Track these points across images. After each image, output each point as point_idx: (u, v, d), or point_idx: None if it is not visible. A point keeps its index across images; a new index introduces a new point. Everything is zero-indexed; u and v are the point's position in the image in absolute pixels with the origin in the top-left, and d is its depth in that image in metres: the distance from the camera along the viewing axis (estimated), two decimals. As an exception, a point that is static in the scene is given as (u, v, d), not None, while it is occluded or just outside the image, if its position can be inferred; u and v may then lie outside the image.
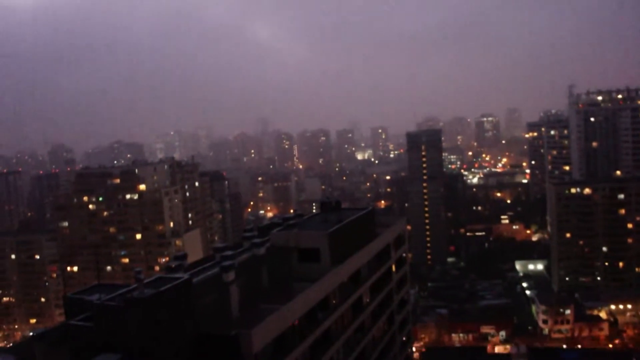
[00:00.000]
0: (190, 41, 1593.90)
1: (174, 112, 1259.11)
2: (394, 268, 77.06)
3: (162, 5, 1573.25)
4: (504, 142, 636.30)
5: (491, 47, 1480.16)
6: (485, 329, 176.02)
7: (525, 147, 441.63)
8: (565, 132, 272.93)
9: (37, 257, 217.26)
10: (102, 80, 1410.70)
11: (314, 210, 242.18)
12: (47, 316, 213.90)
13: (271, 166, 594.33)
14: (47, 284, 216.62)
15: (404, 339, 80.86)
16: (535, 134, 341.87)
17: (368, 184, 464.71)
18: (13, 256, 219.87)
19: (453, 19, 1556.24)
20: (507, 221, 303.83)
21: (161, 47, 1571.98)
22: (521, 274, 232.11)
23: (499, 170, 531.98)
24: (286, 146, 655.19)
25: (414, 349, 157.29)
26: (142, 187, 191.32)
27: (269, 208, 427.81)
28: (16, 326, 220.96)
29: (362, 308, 63.58)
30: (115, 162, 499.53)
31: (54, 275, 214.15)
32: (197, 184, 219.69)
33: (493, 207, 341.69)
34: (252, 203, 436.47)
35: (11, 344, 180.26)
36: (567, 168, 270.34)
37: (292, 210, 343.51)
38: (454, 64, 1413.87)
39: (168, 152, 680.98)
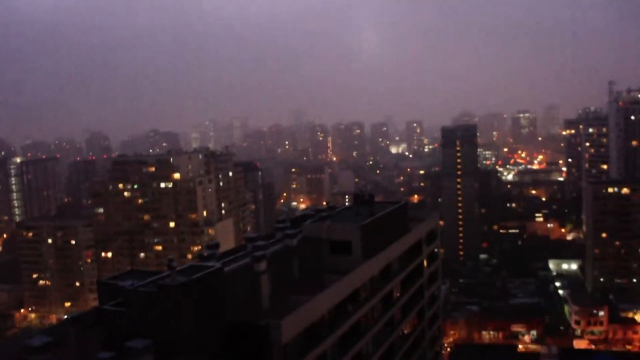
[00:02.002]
0: (228, 32, 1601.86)
1: (209, 102, 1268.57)
2: (425, 263, 76.62)
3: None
4: (540, 139, 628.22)
5: (530, 43, 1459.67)
6: (516, 328, 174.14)
7: (562, 144, 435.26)
8: (604, 130, 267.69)
9: (73, 242, 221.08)
10: (141, 70, 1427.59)
11: (346, 203, 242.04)
12: (82, 300, 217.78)
13: (305, 158, 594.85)
14: (82, 268, 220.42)
15: (433, 334, 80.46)
16: (573, 131, 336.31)
17: (401, 178, 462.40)
18: (50, 241, 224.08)
19: (489, 14, 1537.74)
20: (541, 219, 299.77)
21: (199, 37, 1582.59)
22: (554, 273, 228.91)
23: (534, 167, 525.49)
24: (320, 138, 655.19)
25: (445, 346, 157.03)
26: (177, 175, 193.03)
27: (301, 199, 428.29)
28: (52, 309, 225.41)
29: (392, 302, 63.36)
30: (150, 150, 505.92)
31: (89, 260, 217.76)
32: (230, 174, 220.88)
33: (527, 205, 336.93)
34: (284, 194, 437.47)
35: (47, 326, 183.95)
36: (604, 167, 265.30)
37: (324, 203, 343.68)
38: (491, 59, 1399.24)
39: (203, 142, 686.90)
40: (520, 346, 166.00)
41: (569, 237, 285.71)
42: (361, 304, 54.84)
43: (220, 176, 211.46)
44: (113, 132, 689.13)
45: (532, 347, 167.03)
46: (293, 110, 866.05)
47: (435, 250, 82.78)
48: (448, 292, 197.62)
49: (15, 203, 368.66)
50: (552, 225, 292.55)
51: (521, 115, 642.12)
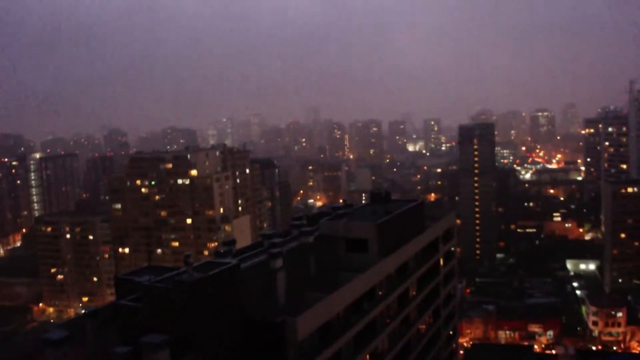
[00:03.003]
0: (245, 29, 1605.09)
1: (227, 99, 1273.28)
2: (441, 262, 76.39)
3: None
4: (559, 137, 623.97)
5: (549, 41, 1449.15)
6: (533, 328, 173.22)
7: (581, 143, 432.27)
8: (624, 129, 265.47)
9: (91, 237, 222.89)
10: (159, 66, 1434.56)
11: (363, 201, 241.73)
12: (99, 295, 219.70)
13: (322, 155, 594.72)
14: (99, 264, 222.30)
15: (449, 333, 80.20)
16: (592, 130, 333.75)
17: (418, 176, 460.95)
18: (68, 236, 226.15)
19: (508, 12, 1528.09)
20: (559, 219, 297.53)
21: (217, 34, 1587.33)
22: (572, 274, 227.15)
23: (552, 166, 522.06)
24: (337, 136, 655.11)
25: (463, 344, 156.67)
26: (194, 172, 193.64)
27: (318, 197, 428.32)
28: (69, 303, 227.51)
29: (408, 300, 63.19)
30: (168, 147, 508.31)
31: (106, 255, 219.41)
32: (247, 171, 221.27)
33: (545, 204, 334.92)
34: (301, 192, 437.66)
35: (65, 320, 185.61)
36: (624, 166, 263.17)
37: (341, 200, 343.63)
38: (510, 57, 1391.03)
39: (220, 139, 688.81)
40: (536, 347, 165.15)
41: (587, 237, 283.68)
42: (377, 301, 54.75)
43: (237, 173, 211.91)
44: (131, 129, 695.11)
45: (548, 351, 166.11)
46: (310, 107, 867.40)
47: (452, 249, 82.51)
48: (464, 291, 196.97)
49: (34, 198, 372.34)
50: (570, 225, 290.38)
51: (540, 113, 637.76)
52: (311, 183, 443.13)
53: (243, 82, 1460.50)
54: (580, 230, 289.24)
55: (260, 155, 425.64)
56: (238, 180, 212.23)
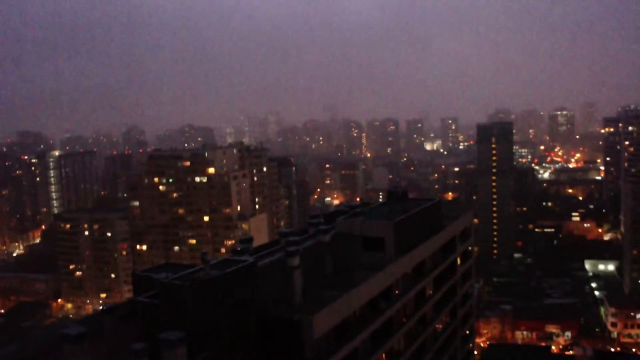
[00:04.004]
0: (264, 28, 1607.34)
1: (244, 97, 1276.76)
2: (458, 261, 76.04)
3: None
4: (578, 137, 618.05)
5: (568, 40, 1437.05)
6: (550, 328, 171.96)
7: (600, 142, 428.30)
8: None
9: (109, 234, 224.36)
10: (176, 64, 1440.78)
11: (380, 200, 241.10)
12: (117, 291, 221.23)
13: (339, 154, 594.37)
14: (117, 260, 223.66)
15: (466, 333, 79.86)
16: (612, 129, 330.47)
17: (436, 175, 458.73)
18: (87, 233, 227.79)
19: (526, 11, 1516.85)
20: (578, 218, 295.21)
21: (235, 33, 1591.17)
22: (590, 274, 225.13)
23: (571, 165, 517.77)
24: (355, 134, 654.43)
25: (480, 344, 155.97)
26: (211, 170, 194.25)
27: (335, 195, 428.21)
28: (87, 299, 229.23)
29: (424, 300, 62.99)
30: (185, 145, 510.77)
31: (124, 252, 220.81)
32: (265, 169, 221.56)
33: (564, 204, 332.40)
34: (318, 190, 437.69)
35: (83, 316, 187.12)
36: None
37: (358, 199, 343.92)
38: (529, 56, 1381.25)
39: (238, 137, 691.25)
40: (554, 347, 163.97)
41: (606, 238, 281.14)
42: (394, 301, 54.62)
43: (254, 171, 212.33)
44: (149, 127, 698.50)
45: (566, 352, 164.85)
46: (328, 106, 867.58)
47: (469, 248, 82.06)
48: (481, 290, 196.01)
49: (54, 195, 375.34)
50: (588, 225, 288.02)
51: (559, 112, 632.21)
52: (328, 181, 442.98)
53: (261, 80, 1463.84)
54: (599, 230, 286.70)
55: (278, 153, 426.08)
56: (255, 179, 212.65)
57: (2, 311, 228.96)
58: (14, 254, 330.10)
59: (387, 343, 52.37)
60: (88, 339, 35.02)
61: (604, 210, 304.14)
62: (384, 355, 52.05)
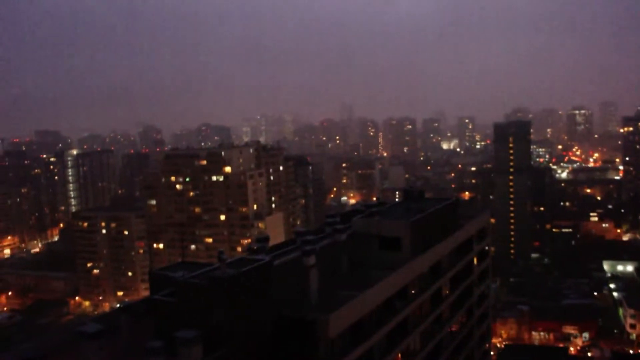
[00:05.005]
0: (280, 27, 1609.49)
1: (261, 96, 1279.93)
2: (475, 261, 75.71)
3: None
4: (596, 136, 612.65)
5: (587, 38, 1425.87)
6: (568, 329, 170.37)
7: (619, 142, 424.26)
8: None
9: (126, 232, 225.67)
10: (192, 64, 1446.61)
11: (397, 199, 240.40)
12: (133, 289, 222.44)
13: (355, 153, 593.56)
14: (134, 259, 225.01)
15: (482, 333, 79.44)
16: (631, 128, 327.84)
17: (453, 174, 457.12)
18: (104, 231, 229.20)
19: (544, 8, 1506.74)
20: (596, 219, 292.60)
21: (250, 32, 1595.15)
22: (609, 275, 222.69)
23: (590, 165, 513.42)
24: (371, 133, 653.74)
25: (496, 345, 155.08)
26: (228, 169, 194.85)
27: (351, 195, 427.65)
28: (105, 297, 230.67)
29: (440, 300, 62.77)
30: (202, 144, 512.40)
31: (141, 251, 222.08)
32: (281, 168, 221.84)
33: (582, 204, 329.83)
34: (335, 189, 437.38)
35: (100, 314, 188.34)
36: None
37: (374, 198, 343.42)
38: (547, 54, 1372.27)
39: (254, 136, 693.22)
40: (571, 349, 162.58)
41: (625, 238, 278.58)
42: (410, 300, 54.49)
43: (270, 170, 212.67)
44: (166, 126, 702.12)
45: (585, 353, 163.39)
46: (344, 105, 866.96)
47: (486, 248, 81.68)
48: (498, 290, 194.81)
49: (72, 194, 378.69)
50: (607, 225, 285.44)
51: (577, 111, 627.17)
52: (345, 180, 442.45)
53: (277, 79, 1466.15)
54: (618, 230, 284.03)
55: (294, 152, 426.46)
56: (272, 178, 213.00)
57: (21, 309, 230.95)
58: (33, 252, 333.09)
59: (402, 343, 52.25)
60: (105, 336, 35.24)
61: (622, 211, 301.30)
62: (399, 354, 51.92)
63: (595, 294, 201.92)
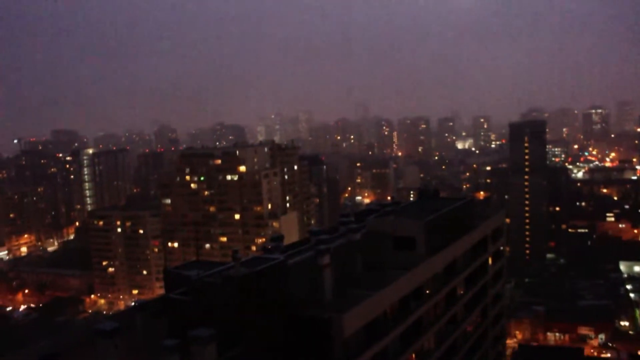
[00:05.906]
0: (295, 27, 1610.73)
1: (275, 95, 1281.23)
2: (490, 261, 75.29)
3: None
4: (613, 135, 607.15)
5: (603, 38, 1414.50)
6: (583, 330, 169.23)
7: (636, 141, 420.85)
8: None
9: (141, 231, 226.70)
10: (207, 63, 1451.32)
11: (411, 198, 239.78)
12: (148, 288, 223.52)
13: (370, 152, 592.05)
14: (149, 257, 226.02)
15: (497, 334, 79.05)
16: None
17: (467, 174, 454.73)
18: (119, 230, 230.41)
19: (560, 8, 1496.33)
20: (612, 219, 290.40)
21: (264, 32, 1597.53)
22: (625, 276, 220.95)
23: (606, 165, 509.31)
24: (386, 132, 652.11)
25: (511, 345, 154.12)
26: (243, 168, 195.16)
27: (366, 194, 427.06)
28: (120, 295, 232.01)
29: (455, 300, 62.55)
30: (217, 143, 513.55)
31: (156, 249, 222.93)
32: (296, 167, 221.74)
33: (598, 204, 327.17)
34: (349, 188, 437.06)
35: (115, 312, 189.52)
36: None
37: (389, 197, 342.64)
38: (563, 54, 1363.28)
39: (269, 135, 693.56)
40: (588, 350, 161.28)
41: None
42: (424, 300, 54.34)
43: (285, 169, 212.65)
44: (180, 125, 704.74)
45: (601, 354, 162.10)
46: (359, 104, 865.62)
47: (501, 248, 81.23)
48: (513, 291, 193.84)
49: (87, 193, 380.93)
50: (624, 225, 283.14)
51: (593, 111, 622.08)
52: (359, 180, 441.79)
53: (292, 78, 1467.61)
54: (635, 231, 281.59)
55: (309, 151, 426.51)
56: (286, 177, 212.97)
57: (37, 306, 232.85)
58: (49, 250, 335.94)
59: (417, 343, 52.14)
60: (121, 334, 35.45)
61: (639, 211, 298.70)
62: (413, 354, 51.81)
63: (612, 295, 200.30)
